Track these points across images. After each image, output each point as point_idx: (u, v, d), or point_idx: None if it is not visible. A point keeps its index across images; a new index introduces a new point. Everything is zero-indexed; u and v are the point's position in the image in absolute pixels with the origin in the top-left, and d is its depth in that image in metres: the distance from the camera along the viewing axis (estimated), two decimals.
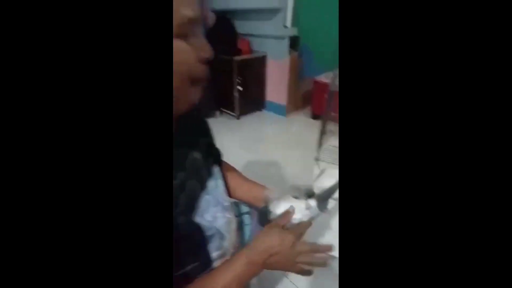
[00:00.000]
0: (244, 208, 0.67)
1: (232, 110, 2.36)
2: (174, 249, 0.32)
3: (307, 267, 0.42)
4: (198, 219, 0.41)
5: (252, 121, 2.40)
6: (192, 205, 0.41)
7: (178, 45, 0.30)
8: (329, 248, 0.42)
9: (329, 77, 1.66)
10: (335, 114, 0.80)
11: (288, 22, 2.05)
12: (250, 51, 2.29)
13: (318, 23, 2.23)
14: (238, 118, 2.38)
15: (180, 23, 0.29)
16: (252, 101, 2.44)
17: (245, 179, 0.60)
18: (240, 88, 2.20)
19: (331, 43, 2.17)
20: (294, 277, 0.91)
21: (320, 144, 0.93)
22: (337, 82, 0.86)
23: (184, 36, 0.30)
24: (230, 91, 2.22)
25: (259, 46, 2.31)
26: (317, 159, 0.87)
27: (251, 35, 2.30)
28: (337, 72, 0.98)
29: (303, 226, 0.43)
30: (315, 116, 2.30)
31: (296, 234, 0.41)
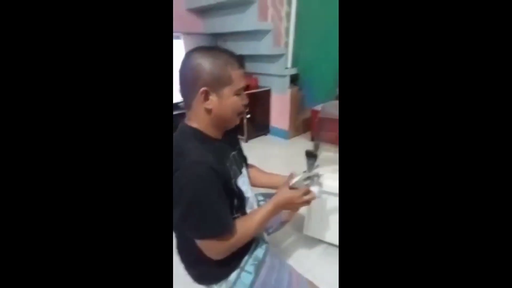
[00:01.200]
0: (260, 197, 1.01)
1: (242, 134, 2.75)
2: (229, 204, 0.61)
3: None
4: (241, 187, 0.75)
5: (258, 143, 2.76)
6: (236, 179, 0.75)
7: (235, 99, 0.67)
8: (314, 196, 0.75)
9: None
10: (324, 133, 1.17)
11: (289, 64, 2.53)
12: (257, 86, 2.74)
13: (315, 63, 2.71)
14: (246, 141, 2.75)
15: (238, 89, 0.66)
16: (259, 127, 2.83)
17: (265, 172, 0.95)
18: (248, 115, 2.60)
19: (326, 79, 2.64)
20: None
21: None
22: (326, 110, 1.24)
23: (238, 94, 0.67)
24: (240, 119, 2.62)
25: (264, 82, 2.77)
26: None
27: (259, 73, 2.77)
28: (325, 103, 1.37)
29: (304, 189, 0.76)
30: (313, 139, 2.66)
31: (299, 192, 0.74)
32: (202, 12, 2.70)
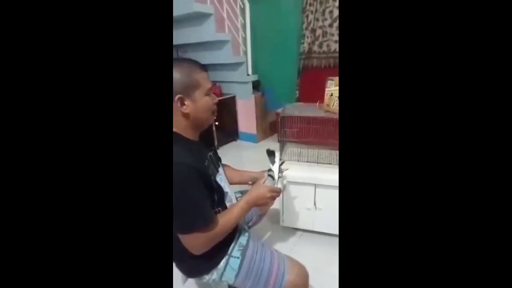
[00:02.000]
0: (238, 194, 1.09)
1: (212, 142, 2.79)
2: (210, 200, 0.70)
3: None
4: (219, 184, 0.83)
5: (229, 149, 2.84)
6: (214, 177, 0.82)
7: (207, 99, 0.75)
8: (280, 190, 0.87)
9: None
10: (287, 130, 1.31)
11: (250, 71, 2.68)
12: (222, 94, 2.83)
13: (273, 69, 2.92)
14: (217, 148, 2.80)
15: (207, 90, 0.75)
16: (228, 133, 2.91)
17: (237, 170, 1.05)
18: (216, 123, 2.68)
19: (285, 83, 2.85)
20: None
21: (281, 152, 1.43)
22: (286, 111, 1.39)
23: (208, 95, 0.76)
24: (209, 127, 2.67)
25: (228, 90, 2.88)
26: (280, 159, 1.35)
27: (222, 81, 2.87)
28: (286, 105, 1.52)
29: (272, 184, 0.88)
30: (280, 140, 2.83)
31: (269, 188, 0.85)
32: None
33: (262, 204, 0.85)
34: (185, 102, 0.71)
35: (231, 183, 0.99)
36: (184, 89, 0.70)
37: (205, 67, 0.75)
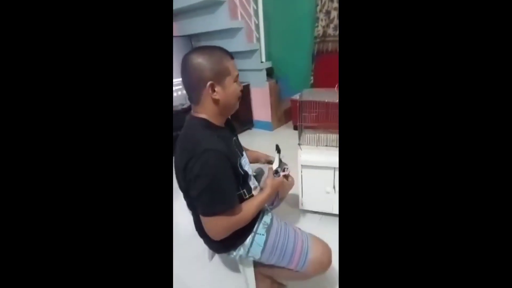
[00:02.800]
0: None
1: None
2: (235, 184, 0.74)
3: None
4: (244, 168, 0.86)
5: (245, 137, 2.87)
6: (240, 160, 0.86)
7: (235, 86, 0.78)
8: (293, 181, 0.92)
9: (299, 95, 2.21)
10: (306, 114, 1.32)
11: (264, 58, 2.66)
12: None
13: (287, 56, 2.87)
14: None
15: (235, 77, 0.77)
16: (243, 122, 2.94)
17: (253, 151, 1.10)
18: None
19: (299, 70, 2.81)
20: None
21: (300, 137, 1.44)
22: (305, 96, 1.39)
23: (236, 81, 0.78)
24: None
25: (242, 78, 2.88)
26: (299, 144, 1.36)
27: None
28: (302, 91, 1.52)
29: (286, 176, 0.92)
30: (296, 127, 2.82)
31: (281, 178, 0.88)
32: (175, 16, 2.74)
33: (281, 190, 0.90)
34: (216, 89, 0.73)
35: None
36: (215, 76, 0.72)
37: (232, 55, 0.77)
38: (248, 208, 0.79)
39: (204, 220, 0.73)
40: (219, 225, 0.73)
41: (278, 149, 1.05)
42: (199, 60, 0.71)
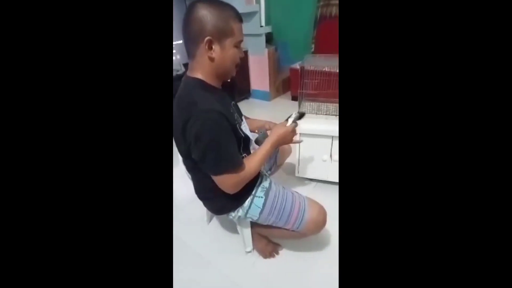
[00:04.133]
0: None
1: None
2: (239, 144, 0.71)
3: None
4: (244, 131, 0.85)
5: (241, 107, 2.82)
6: (240, 125, 0.84)
7: (235, 51, 0.73)
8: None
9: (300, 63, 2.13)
10: (309, 81, 1.28)
11: (263, 22, 2.50)
12: None
13: (287, 21, 2.71)
14: None
15: (238, 42, 0.72)
16: (240, 91, 2.86)
17: (253, 119, 1.07)
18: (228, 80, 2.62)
19: (300, 36, 2.67)
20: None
21: (299, 105, 1.41)
22: (308, 63, 1.33)
23: (237, 47, 0.73)
24: (234, 81, 2.63)
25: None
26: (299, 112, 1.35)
27: None
28: (305, 58, 1.45)
29: (293, 125, 0.89)
30: (294, 98, 2.77)
31: (289, 128, 0.86)
32: None
33: (285, 143, 0.88)
34: (213, 46, 0.69)
35: None
36: (217, 33, 0.67)
37: (242, 19, 0.71)
38: (255, 159, 0.79)
39: (214, 178, 0.75)
40: (229, 182, 0.75)
41: (301, 115, 0.95)
42: (205, 12, 0.65)
